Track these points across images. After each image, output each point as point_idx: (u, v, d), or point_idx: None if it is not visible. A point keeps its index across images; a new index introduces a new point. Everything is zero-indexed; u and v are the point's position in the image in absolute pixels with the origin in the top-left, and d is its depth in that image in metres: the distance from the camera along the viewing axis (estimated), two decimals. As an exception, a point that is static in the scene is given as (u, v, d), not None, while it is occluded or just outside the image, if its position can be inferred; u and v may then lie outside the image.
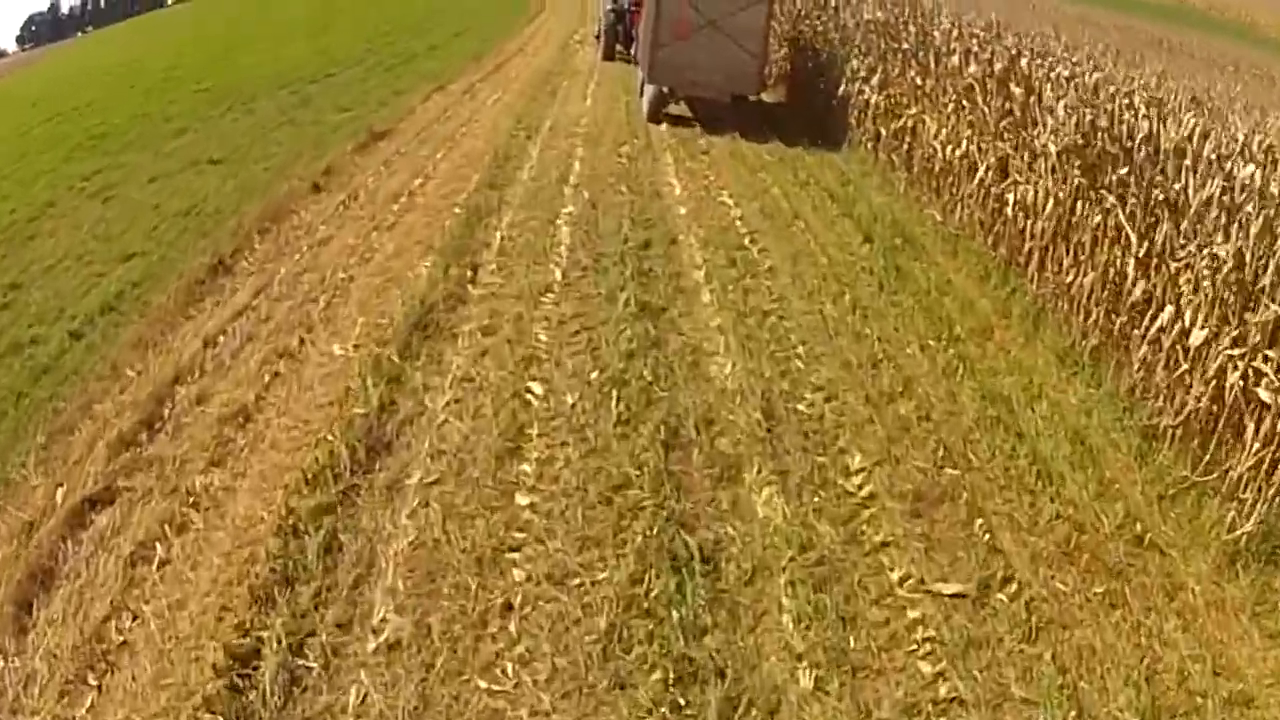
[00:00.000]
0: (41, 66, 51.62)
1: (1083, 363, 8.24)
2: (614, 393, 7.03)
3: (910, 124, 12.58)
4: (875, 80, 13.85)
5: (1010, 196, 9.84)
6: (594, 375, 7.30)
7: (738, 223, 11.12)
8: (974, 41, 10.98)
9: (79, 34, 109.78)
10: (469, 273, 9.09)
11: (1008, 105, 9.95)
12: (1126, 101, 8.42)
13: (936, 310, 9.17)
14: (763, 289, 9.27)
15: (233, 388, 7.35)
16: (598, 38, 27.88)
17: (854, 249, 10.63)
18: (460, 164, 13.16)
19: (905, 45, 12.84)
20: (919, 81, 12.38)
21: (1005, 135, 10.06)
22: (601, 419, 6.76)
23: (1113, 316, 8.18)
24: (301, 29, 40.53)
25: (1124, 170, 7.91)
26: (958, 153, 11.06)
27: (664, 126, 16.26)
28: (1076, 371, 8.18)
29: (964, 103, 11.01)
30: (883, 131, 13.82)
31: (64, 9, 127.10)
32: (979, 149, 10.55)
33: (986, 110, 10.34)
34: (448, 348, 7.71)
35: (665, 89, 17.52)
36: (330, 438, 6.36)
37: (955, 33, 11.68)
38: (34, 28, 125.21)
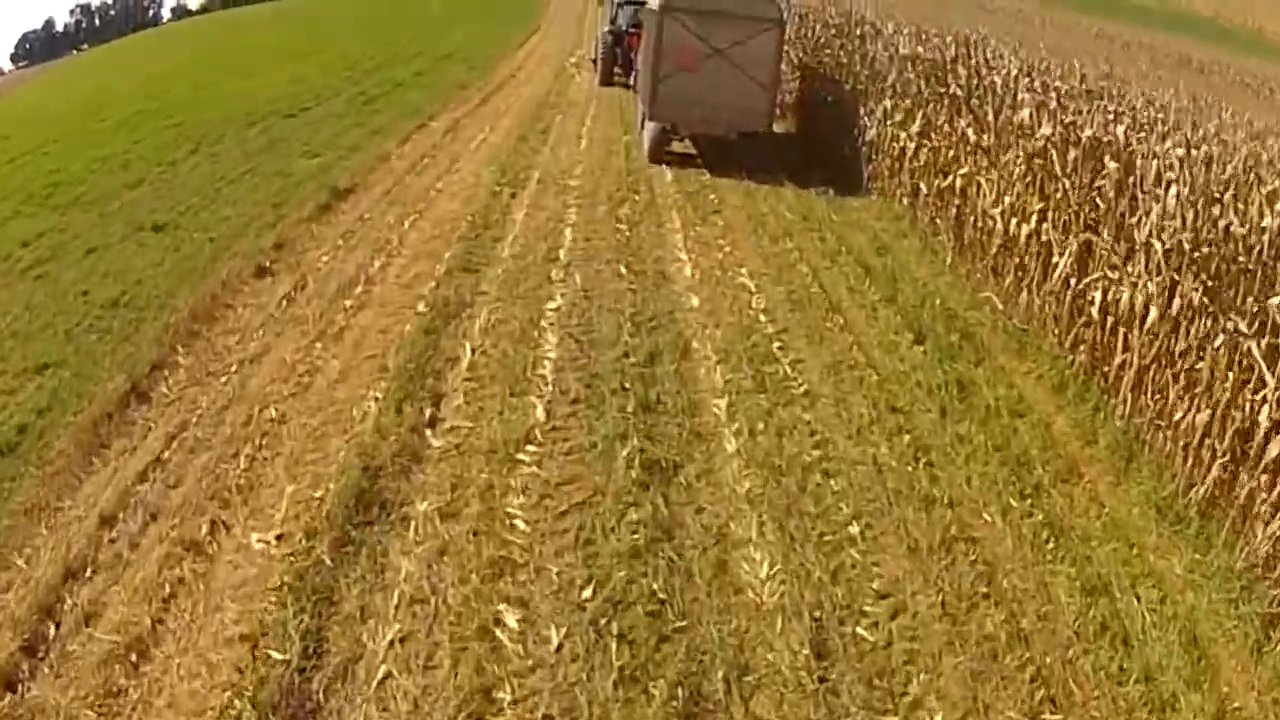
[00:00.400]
0: (21, 93, 49.70)
1: (1188, 518, 6.42)
2: (613, 626, 5.09)
3: (960, 184, 10.59)
4: (914, 127, 11.87)
5: (1096, 295, 7.87)
6: (586, 593, 5.33)
7: (762, 317, 9.13)
8: (1052, 94, 8.95)
9: (74, 51, 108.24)
10: (428, 411, 7.11)
11: (1097, 181, 7.96)
12: (1250, 186, 6.46)
13: (1011, 444, 7.26)
14: (800, 425, 7.28)
15: (128, 600, 5.43)
16: (594, 61, 25.97)
17: (903, 352, 8.65)
18: (431, 235, 11.19)
19: (956, 90, 10.84)
20: (972, 135, 10.40)
21: (1091, 217, 8.07)
22: (597, 674, 4.80)
23: (1231, 468, 6.23)
24: (285, 54, 38.58)
25: (1257, 287, 5.96)
26: (1025, 229, 9.09)
27: (668, 175, 14.32)
28: (1179, 529, 6.38)
29: (1034, 169, 9.02)
30: (922, 187, 11.86)
31: (58, 26, 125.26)
32: (1055, 228, 8.57)
33: (1067, 184, 8.34)
34: (395, 541, 5.74)
35: (668, 126, 15.62)
36: (237, 704, 4.53)
37: (1024, 79, 9.66)
38: (28, 45, 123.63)
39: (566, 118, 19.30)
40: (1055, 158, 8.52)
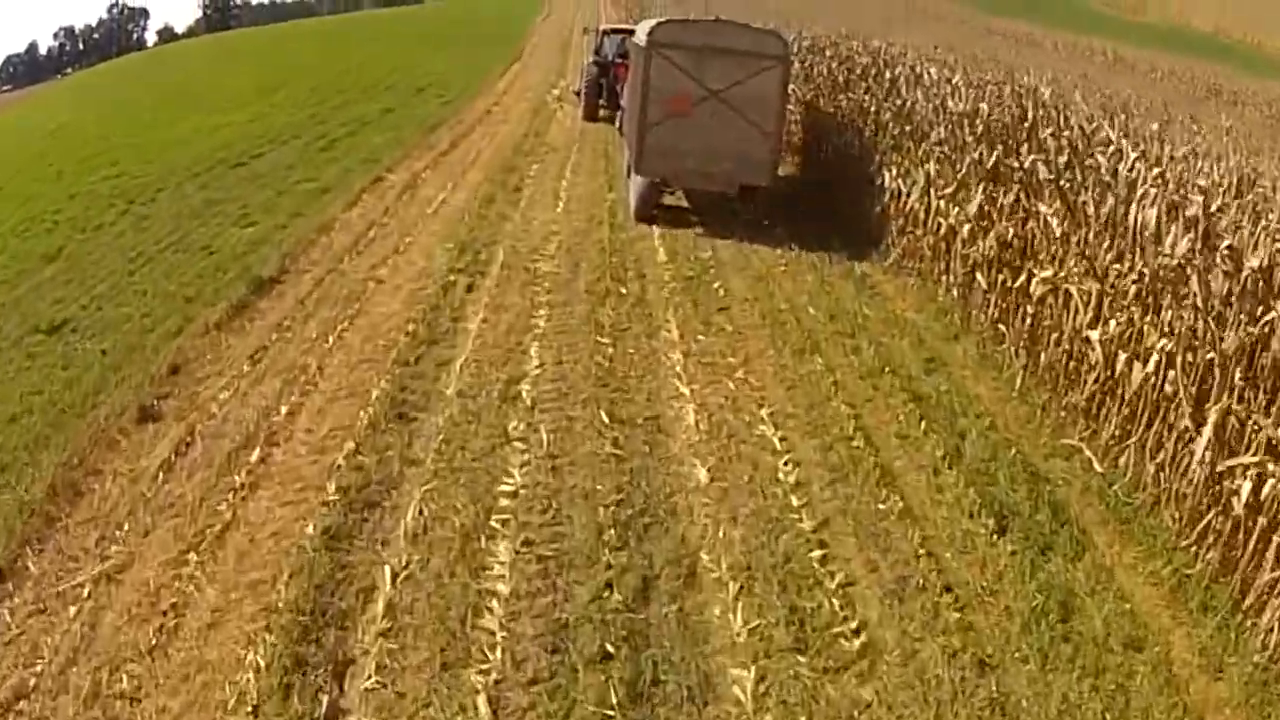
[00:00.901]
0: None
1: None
2: None
3: (1038, 289, 8.16)
4: (971, 206, 9.47)
5: (1244, 482, 5.48)
6: None
7: (794, 499, 6.61)
8: (1191, 195, 6.51)
9: (59, 76, 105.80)
10: (325, 699, 4.68)
11: (1268, 329, 5.56)
12: None
13: (1130, 700, 4.91)
14: (860, 713, 4.82)
15: None
16: (578, 94, 23.60)
17: (983, 550, 6.17)
18: (359, 358, 8.70)
19: (1037, 164, 8.42)
20: (1057, 226, 7.98)
21: (1247, 378, 5.66)
22: None
23: None
24: (257, 86, 36.10)
25: None
26: (1138, 371, 6.65)
27: (660, 251, 11.87)
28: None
29: (1159, 291, 6.60)
30: (980, 281, 9.43)
31: (42, 49, 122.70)
32: (1187, 380, 6.13)
33: (1213, 326, 5.92)
34: None
35: (657, 180, 13.33)
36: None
37: (1142, 164, 7.22)
38: (11, 69, 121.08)
39: (544, 168, 16.87)
40: (1197, 286, 6.10)
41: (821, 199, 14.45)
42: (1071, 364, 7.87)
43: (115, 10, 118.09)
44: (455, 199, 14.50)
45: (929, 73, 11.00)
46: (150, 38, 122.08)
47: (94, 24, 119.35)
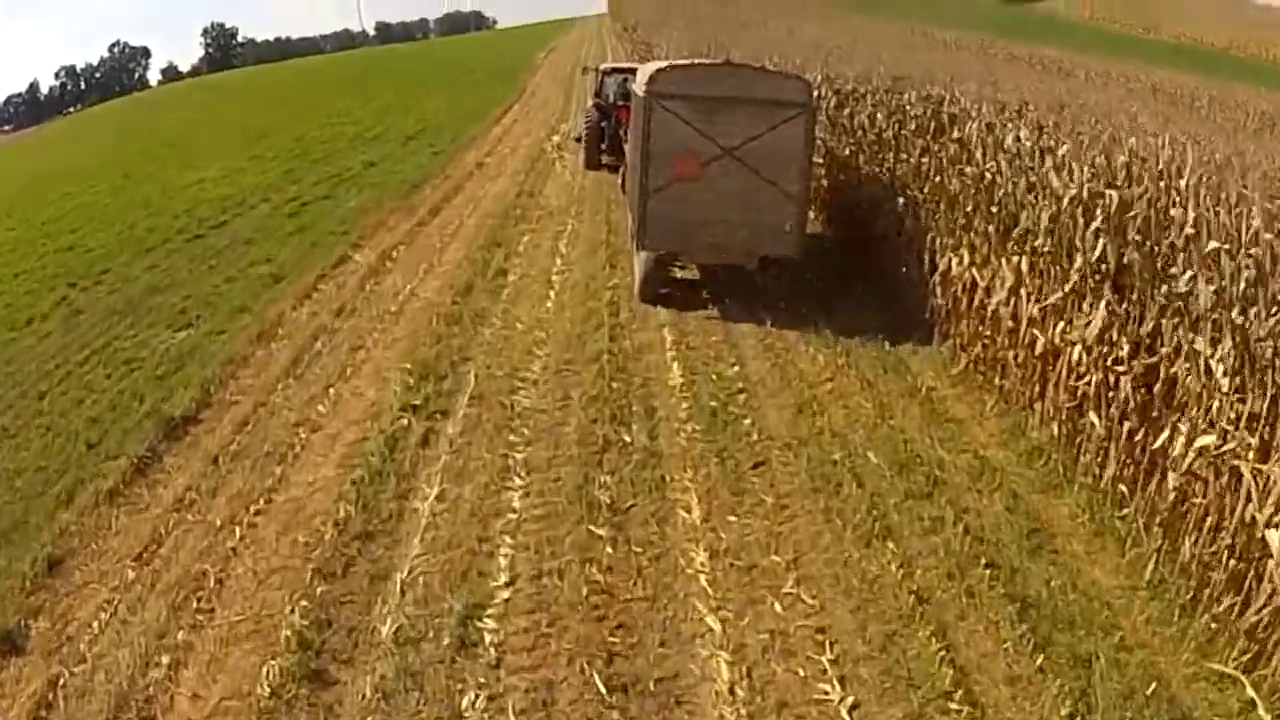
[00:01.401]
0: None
1: None
2: None
3: (1186, 457, 5.78)
4: (1091, 325, 7.09)
5: None
6: None
7: None
8: None
9: (60, 115, 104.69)
10: None
11: None
12: None
13: None
14: None
15: None
16: (579, 140, 21.43)
17: None
18: (271, 566, 6.34)
19: (1205, 290, 5.99)
20: (1222, 376, 5.60)
21: None
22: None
23: None
24: (243, 134, 34.05)
25: None
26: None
27: (675, 371, 9.46)
28: None
29: None
30: (1095, 423, 7.04)
31: (43, 89, 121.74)
32: None
33: None
34: None
35: (665, 253, 11.35)
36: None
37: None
38: (12, 109, 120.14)
39: (536, 239, 14.57)
40: None
41: (862, 276, 12.10)
42: (1233, 563, 5.49)
43: (117, 50, 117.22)
44: (426, 290, 12.20)
45: (1015, 136, 8.57)
46: (154, 76, 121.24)
47: (95, 63, 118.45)
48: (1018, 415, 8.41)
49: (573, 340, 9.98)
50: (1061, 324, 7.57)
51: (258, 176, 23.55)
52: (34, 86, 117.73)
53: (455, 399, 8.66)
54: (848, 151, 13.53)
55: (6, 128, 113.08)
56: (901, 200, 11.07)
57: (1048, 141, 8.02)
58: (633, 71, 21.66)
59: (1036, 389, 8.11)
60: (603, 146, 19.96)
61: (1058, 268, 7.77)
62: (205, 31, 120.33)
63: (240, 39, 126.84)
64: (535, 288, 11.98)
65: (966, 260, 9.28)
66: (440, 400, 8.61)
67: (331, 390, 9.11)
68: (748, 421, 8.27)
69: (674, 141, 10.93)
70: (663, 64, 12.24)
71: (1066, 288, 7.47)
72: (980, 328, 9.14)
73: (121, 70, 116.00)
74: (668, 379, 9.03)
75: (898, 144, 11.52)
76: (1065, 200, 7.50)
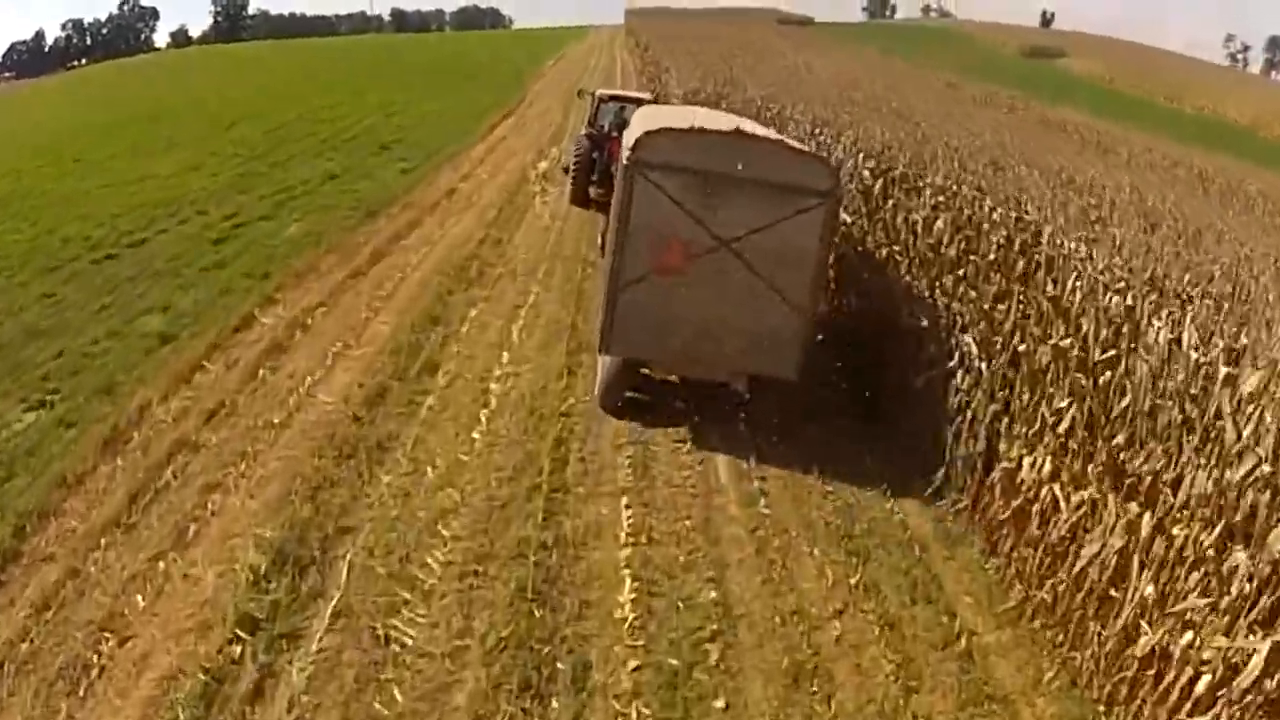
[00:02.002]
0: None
1: None
2: None
3: None
4: (1257, 655, 4.41)
5: None
6: None
7: None
8: None
9: (65, 68, 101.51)
10: None
11: None
12: None
13: None
14: None
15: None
16: (566, 172, 18.63)
17: None
18: None
19: None
20: None
21: None
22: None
23: None
24: (210, 119, 31.22)
25: None
26: None
27: (625, 570, 6.75)
28: None
29: None
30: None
31: (49, 39, 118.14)
32: None
33: None
34: None
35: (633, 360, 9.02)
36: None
37: None
38: (16, 55, 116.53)
39: (486, 314, 11.78)
40: None
41: (884, 430, 9.40)
42: None
43: (126, 7, 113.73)
44: (329, 387, 9.39)
45: (1166, 334, 5.79)
46: (163, 38, 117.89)
47: (104, 19, 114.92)
48: (1089, 707, 5.77)
49: (494, 514, 7.19)
50: (1191, 634, 4.89)
51: (207, 179, 20.73)
52: (40, 35, 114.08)
53: (313, 612, 5.91)
54: (884, 254, 10.82)
55: (8, 75, 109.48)
56: (957, 348, 8.34)
57: (1222, 348, 5.26)
58: (635, 101, 19.21)
59: (1128, 688, 5.45)
60: (592, 179, 17.49)
61: (1205, 535, 5.09)
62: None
63: (253, 10, 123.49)
64: (466, 401, 9.19)
65: (1046, 467, 6.59)
66: (293, 612, 5.87)
67: (161, 564, 6.36)
68: (719, 704, 5.55)
69: (659, 224, 8.52)
70: (655, 121, 9.57)
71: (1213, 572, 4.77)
72: (1053, 565, 6.47)
73: (129, 29, 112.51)
74: (615, 608, 6.26)
75: (960, 267, 8.77)
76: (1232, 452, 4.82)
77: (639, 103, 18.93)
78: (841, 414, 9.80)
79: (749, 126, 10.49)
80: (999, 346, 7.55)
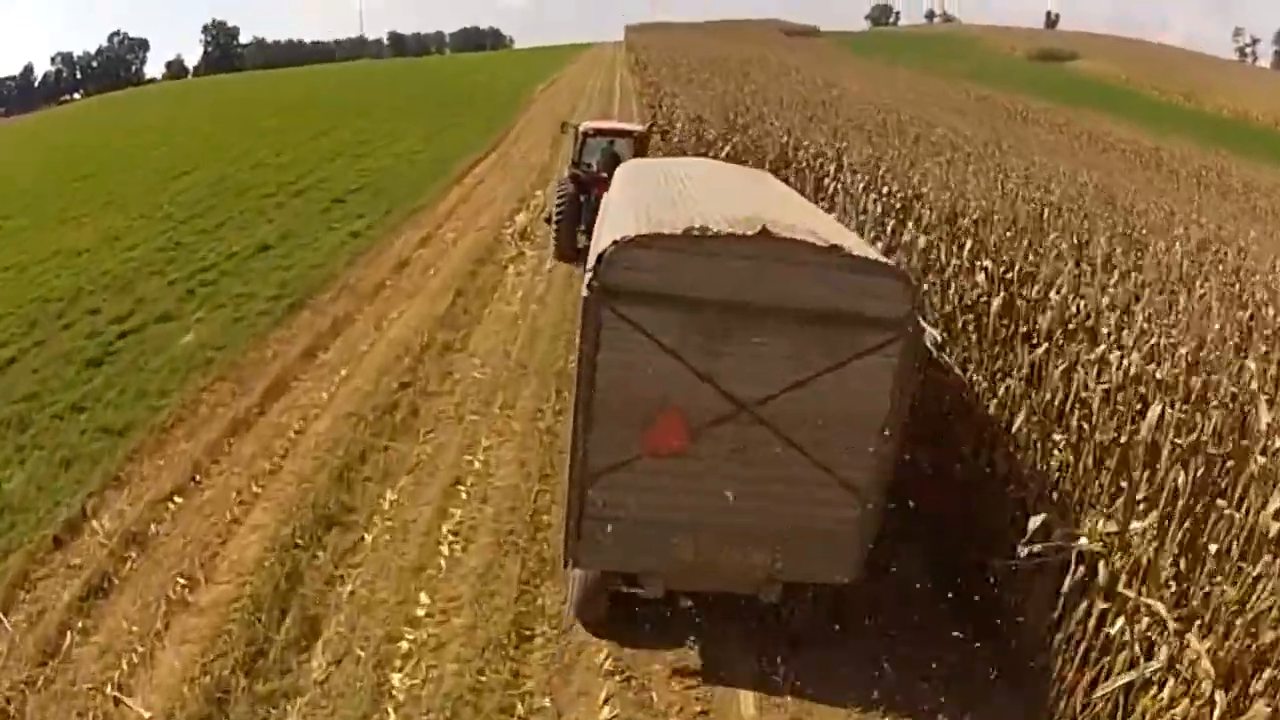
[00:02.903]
0: None
1: None
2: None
3: None
4: None
5: None
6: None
7: None
8: None
9: (56, 103, 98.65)
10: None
11: None
12: None
13: None
14: None
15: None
16: (549, 222, 15.59)
17: None
18: None
19: None
20: None
21: None
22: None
23: None
24: (158, 174, 27.41)
25: None
26: None
27: None
28: None
29: None
30: None
31: (38, 73, 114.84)
32: None
33: None
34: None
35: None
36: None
37: None
38: (4, 92, 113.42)
39: (416, 489, 8.02)
40: None
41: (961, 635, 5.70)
42: None
43: (116, 40, 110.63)
44: (155, 683, 5.67)
45: None
46: (158, 69, 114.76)
47: (93, 51, 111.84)
48: None
49: None
50: None
51: (122, 255, 17.05)
52: (29, 70, 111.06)
53: None
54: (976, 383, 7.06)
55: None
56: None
57: None
58: (623, 134, 15.69)
59: None
60: (580, 229, 14.44)
61: None
62: (206, 29, 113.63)
63: (248, 38, 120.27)
64: (352, 712, 5.42)
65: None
66: None
67: None
68: None
69: (643, 386, 5.50)
70: (632, 215, 6.01)
71: None
72: None
73: (119, 61, 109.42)
74: None
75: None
76: None
77: (630, 136, 15.60)
78: (912, 605, 6.41)
79: (776, 205, 6.82)
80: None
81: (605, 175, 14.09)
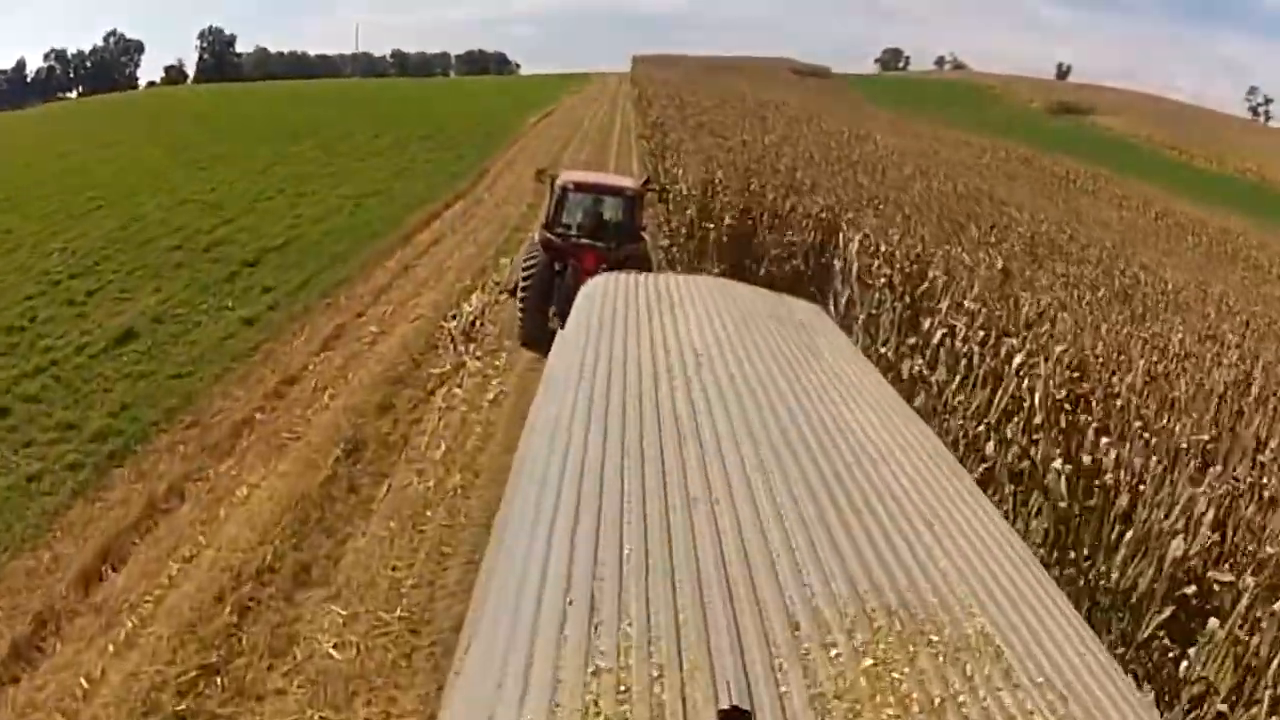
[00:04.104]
0: None
1: None
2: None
3: None
4: None
5: None
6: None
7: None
8: None
9: (47, 100, 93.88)
10: None
11: None
12: None
13: None
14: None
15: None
16: (513, 294, 12.45)
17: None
18: None
19: None
20: None
21: None
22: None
23: None
24: (67, 209, 22.73)
25: None
26: None
27: None
28: None
29: None
30: None
31: (31, 69, 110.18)
32: None
33: None
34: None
35: None
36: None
37: None
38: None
39: None
40: None
41: None
42: None
43: (112, 40, 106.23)
44: None
45: None
46: (155, 73, 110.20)
47: (87, 50, 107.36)
48: None
49: None
50: None
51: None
52: (21, 65, 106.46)
53: None
54: None
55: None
56: None
57: None
58: (613, 192, 12.74)
59: None
60: (552, 310, 11.51)
61: None
62: (202, 35, 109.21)
63: (251, 46, 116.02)
64: None
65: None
66: None
67: None
68: None
69: None
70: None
71: None
72: None
73: (113, 63, 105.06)
74: None
75: None
76: None
77: (621, 194, 12.64)
78: None
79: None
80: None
81: (587, 242, 11.74)
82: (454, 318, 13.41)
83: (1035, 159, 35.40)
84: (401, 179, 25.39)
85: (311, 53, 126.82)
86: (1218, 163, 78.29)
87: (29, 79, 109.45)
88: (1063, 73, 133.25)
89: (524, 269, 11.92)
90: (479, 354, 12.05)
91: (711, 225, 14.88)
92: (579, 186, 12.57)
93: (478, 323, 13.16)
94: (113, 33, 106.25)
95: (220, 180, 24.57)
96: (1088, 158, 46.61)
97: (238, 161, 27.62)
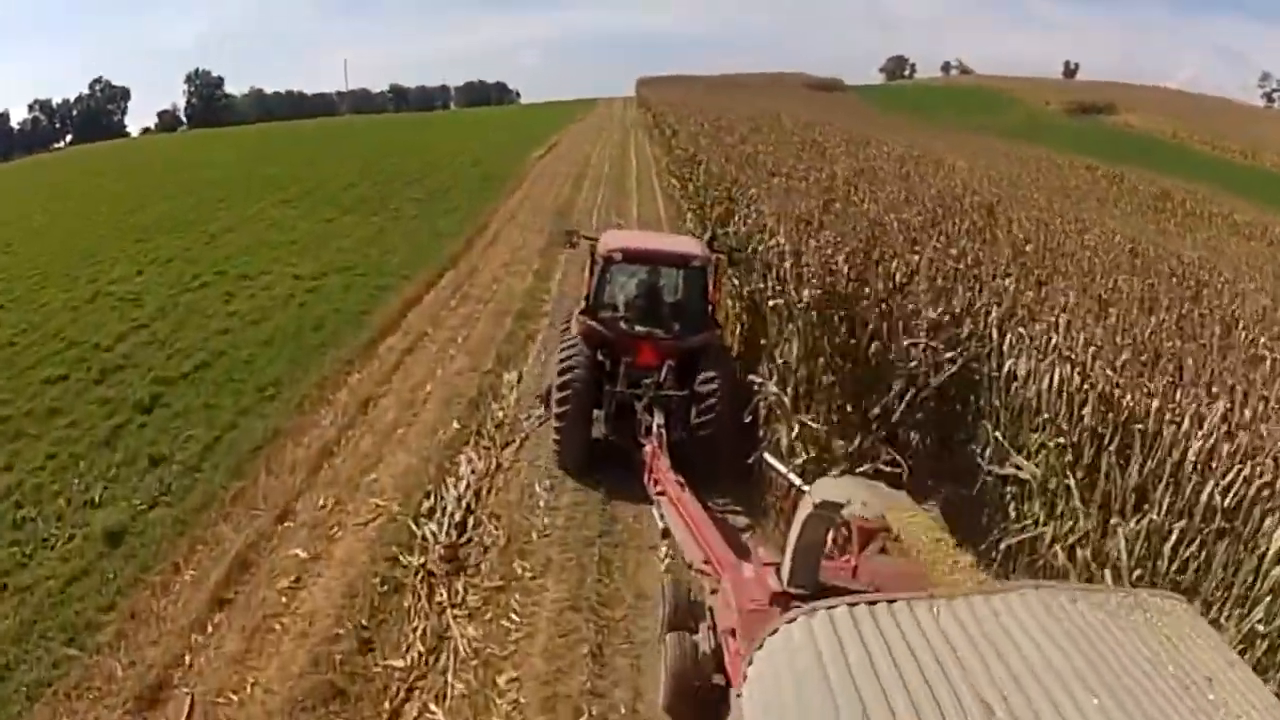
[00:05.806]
0: None
1: None
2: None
3: None
4: None
5: None
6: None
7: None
8: None
9: (34, 151, 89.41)
10: None
11: None
12: None
13: None
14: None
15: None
16: (546, 404, 9.54)
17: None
18: None
19: None
20: None
21: None
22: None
23: None
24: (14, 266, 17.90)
25: None
26: None
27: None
28: None
29: None
30: None
31: (14, 121, 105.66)
32: None
33: None
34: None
35: None
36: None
37: None
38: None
39: None
40: None
41: None
42: None
43: (98, 87, 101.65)
44: None
45: None
46: (148, 119, 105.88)
47: (73, 99, 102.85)
48: None
49: None
50: None
51: None
52: (4, 117, 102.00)
53: None
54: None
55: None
56: None
57: None
58: (673, 261, 9.65)
59: None
60: (597, 414, 8.98)
61: None
62: (189, 78, 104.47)
63: (245, 88, 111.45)
64: None
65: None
66: None
67: None
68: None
69: None
70: None
71: None
72: None
73: (100, 110, 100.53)
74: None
75: None
76: None
77: (684, 264, 9.58)
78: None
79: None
80: None
81: (643, 330, 9.18)
82: (431, 515, 8.24)
83: (1115, 174, 30.18)
84: (377, 244, 20.27)
85: (309, 91, 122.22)
86: (1253, 157, 72.85)
87: (15, 130, 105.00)
88: (1070, 71, 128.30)
89: (561, 369, 8.95)
90: (475, 599, 6.91)
91: (834, 314, 8.65)
92: (629, 255, 9.50)
93: (469, 524, 8.00)
94: (98, 80, 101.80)
95: (155, 257, 19.49)
96: (1120, 160, 41.58)
97: (185, 229, 22.52)
